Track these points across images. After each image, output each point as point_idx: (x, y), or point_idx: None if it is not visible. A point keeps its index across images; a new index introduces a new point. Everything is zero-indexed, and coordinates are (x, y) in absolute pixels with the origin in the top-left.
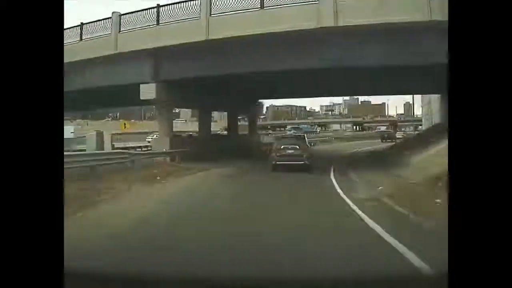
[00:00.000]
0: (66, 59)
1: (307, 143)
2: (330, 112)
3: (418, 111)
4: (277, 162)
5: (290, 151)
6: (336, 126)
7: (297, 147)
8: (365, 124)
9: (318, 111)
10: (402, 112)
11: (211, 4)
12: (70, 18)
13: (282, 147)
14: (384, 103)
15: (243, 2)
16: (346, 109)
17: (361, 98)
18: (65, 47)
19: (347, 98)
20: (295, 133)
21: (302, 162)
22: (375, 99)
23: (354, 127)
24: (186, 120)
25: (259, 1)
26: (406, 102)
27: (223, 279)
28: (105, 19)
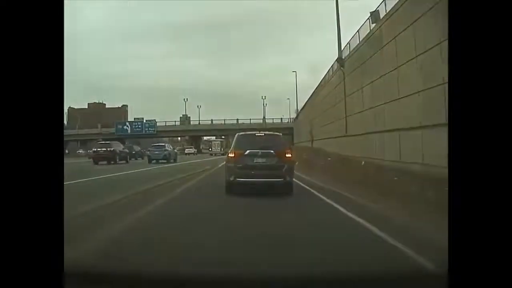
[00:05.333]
0: None
1: (286, 146)
2: None
3: None
4: (238, 179)
5: (260, 160)
6: None
7: (272, 152)
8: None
9: None
10: None
11: None
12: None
13: (247, 152)
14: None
15: None
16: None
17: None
18: None
19: None
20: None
21: (280, 179)
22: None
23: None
24: None
25: None
26: None
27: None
28: None
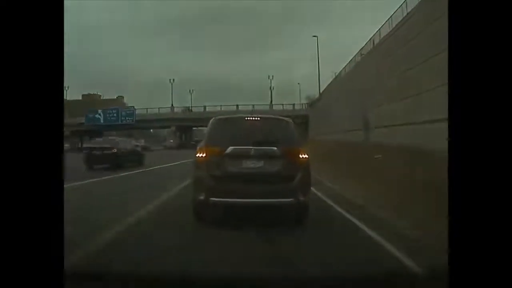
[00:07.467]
0: None
1: (300, 140)
2: None
3: None
4: (212, 199)
5: (253, 164)
6: None
7: (275, 150)
8: None
9: None
10: None
11: None
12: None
13: (229, 150)
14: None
15: None
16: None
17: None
18: None
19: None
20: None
21: (289, 199)
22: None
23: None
24: None
25: None
26: None
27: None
28: None
